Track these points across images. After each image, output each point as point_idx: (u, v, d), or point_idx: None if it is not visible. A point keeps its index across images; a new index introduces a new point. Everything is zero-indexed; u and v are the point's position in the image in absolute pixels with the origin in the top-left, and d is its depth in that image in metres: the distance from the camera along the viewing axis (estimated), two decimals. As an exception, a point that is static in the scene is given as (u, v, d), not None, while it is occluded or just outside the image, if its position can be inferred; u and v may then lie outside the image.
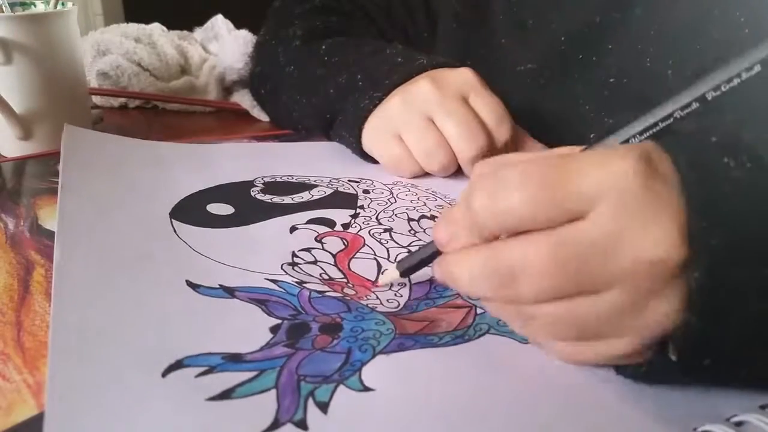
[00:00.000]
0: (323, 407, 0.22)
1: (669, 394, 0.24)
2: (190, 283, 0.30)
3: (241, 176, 0.43)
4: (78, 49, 0.53)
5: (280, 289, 0.30)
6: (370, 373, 0.24)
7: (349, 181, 0.44)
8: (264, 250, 0.34)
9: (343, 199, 0.40)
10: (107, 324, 0.26)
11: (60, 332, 0.25)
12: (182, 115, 0.64)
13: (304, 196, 0.41)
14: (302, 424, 0.22)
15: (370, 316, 0.28)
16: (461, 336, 0.27)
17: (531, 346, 0.27)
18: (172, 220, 0.36)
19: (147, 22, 0.71)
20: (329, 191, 0.42)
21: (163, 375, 0.23)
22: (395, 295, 0.30)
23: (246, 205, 0.39)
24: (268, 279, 0.31)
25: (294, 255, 0.33)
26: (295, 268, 0.32)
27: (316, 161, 0.47)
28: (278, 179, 0.43)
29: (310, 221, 0.37)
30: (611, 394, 0.24)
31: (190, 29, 0.77)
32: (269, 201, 0.40)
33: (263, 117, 0.60)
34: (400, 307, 0.29)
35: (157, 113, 0.65)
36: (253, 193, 0.41)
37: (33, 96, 0.51)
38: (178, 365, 0.24)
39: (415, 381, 0.24)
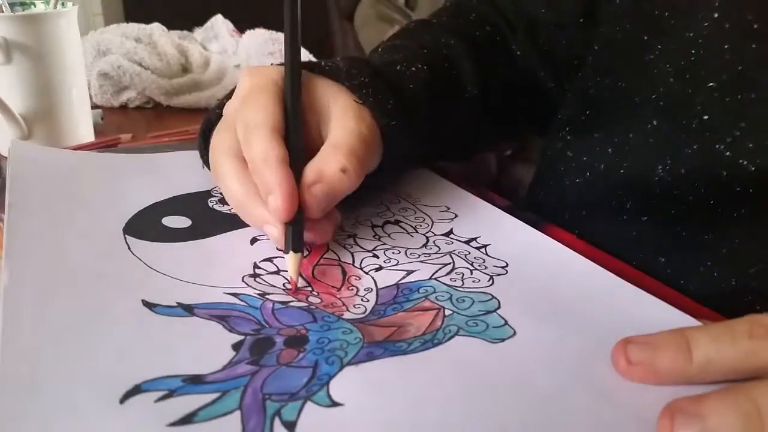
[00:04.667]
0: (291, 426, 0.21)
1: (642, 395, 0.23)
2: (146, 303, 0.27)
3: (198, 186, 0.39)
4: (78, 49, 0.51)
5: (242, 303, 0.27)
6: (338, 386, 0.23)
7: None
8: (224, 263, 0.31)
9: None
10: (59, 350, 0.23)
11: (9, 360, 0.22)
12: (182, 115, 0.62)
13: None
14: None
15: (337, 325, 0.26)
16: (430, 340, 0.26)
17: (501, 346, 0.25)
18: (126, 236, 0.32)
19: (147, 22, 0.69)
20: None
21: (121, 402, 0.21)
22: (362, 300, 0.28)
23: (203, 216, 0.35)
24: (227, 293, 0.28)
25: (255, 266, 0.31)
26: (257, 279, 0.30)
27: None
28: None
29: None
30: (584, 391, 0.23)
31: (190, 29, 0.75)
32: (228, 212, 0.36)
33: None
34: (367, 313, 0.27)
35: (157, 113, 0.61)
36: (210, 204, 0.37)
37: (33, 96, 0.49)
38: (136, 390, 0.22)
39: (385, 392, 0.23)
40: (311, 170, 0.30)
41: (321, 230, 0.32)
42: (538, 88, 0.47)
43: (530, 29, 0.46)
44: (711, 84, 0.33)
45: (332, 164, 0.30)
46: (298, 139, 0.32)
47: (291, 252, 0.29)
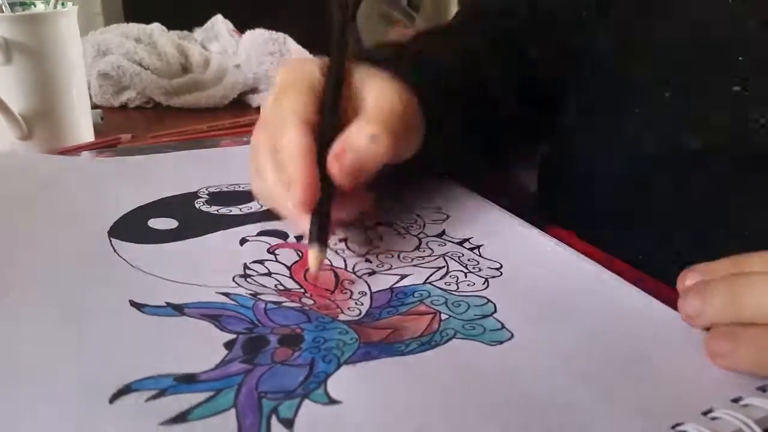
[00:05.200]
0: (288, 424, 0.20)
1: (645, 392, 0.23)
2: (134, 303, 0.27)
3: (185, 188, 0.39)
4: (78, 49, 0.52)
5: (234, 302, 0.27)
6: (335, 384, 0.22)
7: None
8: (213, 263, 0.30)
9: None
10: (48, 352, 0.23)
11: None
12: (182, 115, 0.62)
13: (252, 206, 0.37)
14: None
15: (332, 325, 0.26)
16: (427, 342, 0.25)
17: (498, 348, 0.25)
18: (111, 239, 0.32)
19: (147, 22, 0.69)
20: None
21: (111, 401, 0.21)
22: (356, 303, 0.28)
23: (190, 217, 0.35)
24: (219, 293, 0.28)
25: (246, 267, 0.30)
26: (248, 279, 0.29)
27: None
28: (224, 189, 0.40)
29: (261, 233, 0.34)
30: (585, 391, 0.23)
31: (190, 29, 0.75)
32: (215, 212, 0.36)
33: None
34: (361, 315, 0.27)
35: (157, 113, 0.61)
36: (197, 205, 0.37)
37: (33, 96, 0.49)
38: (126, 390, 0.21)
39: (383, 391, 0.22)
40: (338, 142, 0.30)
41: (350, 206, 0.32)
42: (554, 85, 0.47)
43: (547, 27, 0.46)
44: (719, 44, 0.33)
45: (360, 132, 0.30)
46: (333, 127, 0.31)
47: (313, 243, 0.29)
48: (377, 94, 0.32)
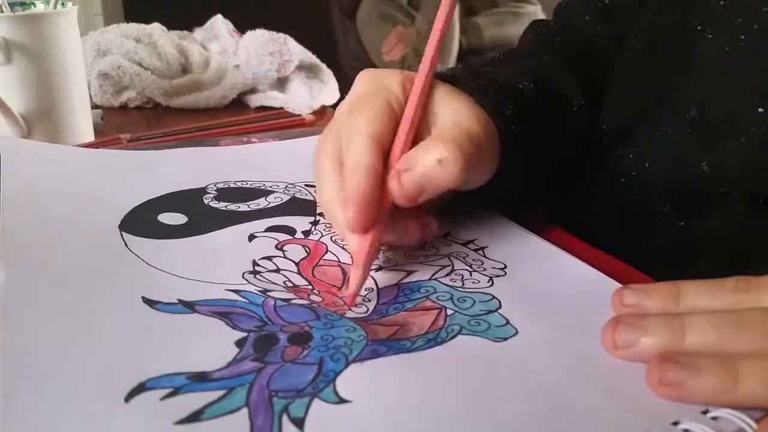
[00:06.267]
0: (299, 423, 0.20)
1: (646, 389, 0.23)
2: (146, 300, 0.26)
3: (193, 183, 0.39)
4: (78, 49, 0.51)
5: (244, 300, 0.27)
6: (344, 383, 0.22)
7: (306, 186, 0.40)
8: (223, 260, 0.31)
9: (301, 206, 0.37)
10: (61, 349, 0.23)
11: (11, 361, 0.22)
12: (182, 115, 0.62)
13: (260, 203, 0.37)
14: None
15: (340, 323, 0.26)
16: (434, 339, 0.25)
17: (503, 344, 0.25)
18: (122, 233, 0.32)
19: (147, 22, 0.69)
20: (286, 197, 0.38)
21: (126, 400, 0.21)
22: (363, 300, 0.28)
23: (199, 213, 0.35)
24: (229, 290, 0.28)
25: (255, 264, 0.30)
26: (257, 276, 0.29)
27: (271, 165, 0.43)
28: (232, 185, 0.39)
29: (269, 229, 0.34)
30: (588, 388, 0.23)
31: (190, 29, 0.75)
32: (224, 209, 0.36)
33: None
34: (369, 312, 0.27)
35: (157, 113, 0.61)
36: (206, 201, 0.37)
37: (33, 96, 0.49)
38: (140, 389, 0.21)
39: (391, 389, 0.22)
40: (403, 158, 0.29)
41: (407, 232, 0.31)
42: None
43: (610, 23, 0.44)
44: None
45: (428, 153, 0.28)
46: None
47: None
48: (456, 116, 0.30)
